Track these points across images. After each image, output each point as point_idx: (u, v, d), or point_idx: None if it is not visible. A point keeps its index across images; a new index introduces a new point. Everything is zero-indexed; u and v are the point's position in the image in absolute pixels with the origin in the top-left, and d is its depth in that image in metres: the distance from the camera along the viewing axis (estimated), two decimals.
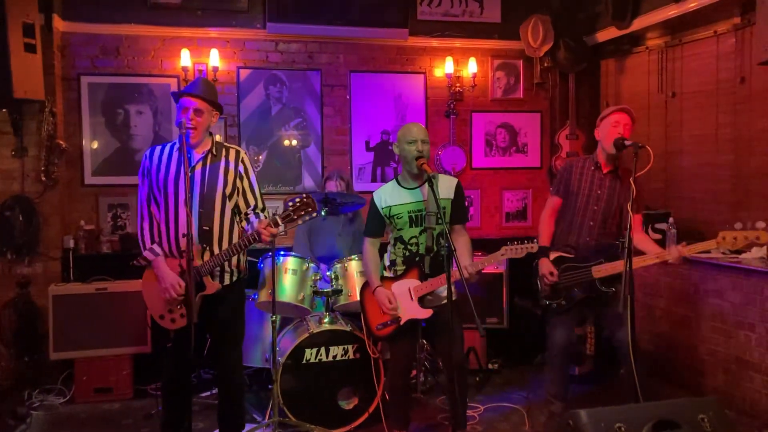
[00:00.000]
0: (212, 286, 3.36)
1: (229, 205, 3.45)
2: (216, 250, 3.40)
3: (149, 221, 3.44)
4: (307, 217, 3.31)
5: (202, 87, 3.44)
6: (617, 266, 3.60)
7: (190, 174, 3.32)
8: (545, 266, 3.89)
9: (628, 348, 3.54)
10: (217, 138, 3.56)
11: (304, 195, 3.33)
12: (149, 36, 5.32)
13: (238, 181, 3.47)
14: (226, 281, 3.46)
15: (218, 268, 3.41)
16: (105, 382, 4.70)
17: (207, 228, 3.37)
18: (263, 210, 3.56)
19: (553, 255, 3.94)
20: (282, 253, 4.26)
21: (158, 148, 3.49)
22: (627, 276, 3.36)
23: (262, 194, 3.60)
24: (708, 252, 4.58)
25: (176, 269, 3.36)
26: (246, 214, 3.53)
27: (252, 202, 3.54)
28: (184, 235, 3.20)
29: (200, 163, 3.41)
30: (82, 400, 4.65)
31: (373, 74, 5.77)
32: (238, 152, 3.52)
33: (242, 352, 3.66)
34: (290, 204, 3.30)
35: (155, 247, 3.40)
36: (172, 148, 3.47)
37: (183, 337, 3.33)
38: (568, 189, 3.95)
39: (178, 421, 3.50)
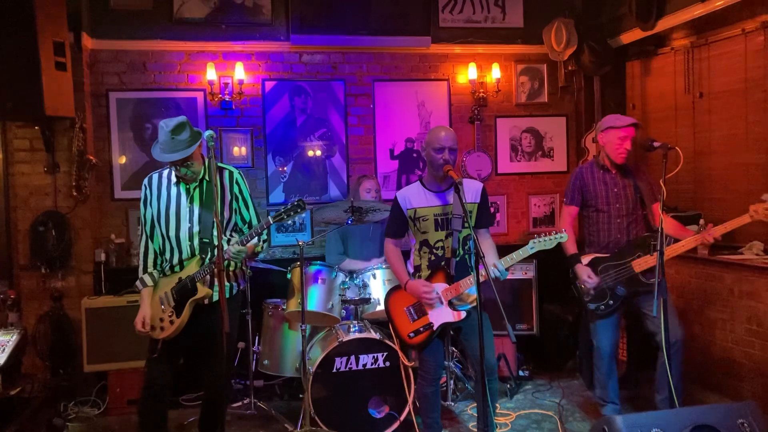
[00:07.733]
0: (202, 291, 3.45)
1: (228, 221, 3.58)
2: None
3: (150, 249, 3.58)
4: (295, 217, 3.44)
5: (174, 145, 3.37)
6: (657, 257, 3.58)
7: (188, 205, 3.49)
8: (583, 271, 3.94)
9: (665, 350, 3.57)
10: (216, 161, 3.53)
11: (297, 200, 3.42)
12: (175, 51, 5.41)
13: (234, 202, 3.59)
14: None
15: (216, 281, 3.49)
16: (137, 394, 4.66)
17: (206, 240, 3.50)
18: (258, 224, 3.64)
19: (586, 258, 3.97)
20: (310, 262, 4.27)
21: (155, 178, 3.60)
22: (659, 279, 3.39)
23: (257, 211, 3.70)
24: (741, 254, 4.53)
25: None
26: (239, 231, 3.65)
27: (247, 219, 3.65)
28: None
29: (197, 188, 3.53)
30: (116, 412, 4.71)
31: (397, 82, 5.79)
32: (231, 173, 3.61)
33: (229, 366, 3.72)
34: (282, 208, 3.43)
35: (146, 277, 3.56)
36: (169, 178, 3.56)
37: (171, 345, 3.50)
38: (585, 195, 4.07)
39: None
